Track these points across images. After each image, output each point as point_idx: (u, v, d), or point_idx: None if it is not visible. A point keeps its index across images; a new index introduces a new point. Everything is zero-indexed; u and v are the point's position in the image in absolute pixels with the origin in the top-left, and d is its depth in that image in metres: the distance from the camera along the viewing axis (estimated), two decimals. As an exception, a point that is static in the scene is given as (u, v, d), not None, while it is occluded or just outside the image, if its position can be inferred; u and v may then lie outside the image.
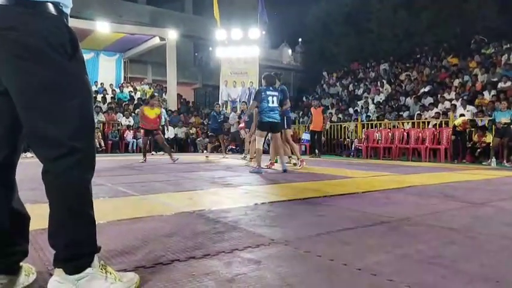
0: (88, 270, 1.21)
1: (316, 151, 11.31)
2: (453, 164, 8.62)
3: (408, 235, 2.11)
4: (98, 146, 12.57)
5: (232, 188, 4.07)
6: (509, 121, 8.11)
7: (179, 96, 18.75)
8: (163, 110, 12.44)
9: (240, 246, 1.83)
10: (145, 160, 7.97)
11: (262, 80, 6.19)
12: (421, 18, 19.44)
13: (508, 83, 11.24)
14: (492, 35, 15.67)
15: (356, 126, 12.86)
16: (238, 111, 12.58)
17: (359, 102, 15.46)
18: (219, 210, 2.74)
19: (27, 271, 1.35)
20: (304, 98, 19.48)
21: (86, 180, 1.24)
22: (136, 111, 14.93)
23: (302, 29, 24.85)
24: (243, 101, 10.75)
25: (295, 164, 7.04)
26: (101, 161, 8.29)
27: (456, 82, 13.03)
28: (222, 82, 16.25)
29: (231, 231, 2.13)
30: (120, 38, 16.89)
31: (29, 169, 5.44)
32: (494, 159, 8.33)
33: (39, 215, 1.90)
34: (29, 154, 9.30)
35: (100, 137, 12.75)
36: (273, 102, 5.91)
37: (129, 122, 13.89)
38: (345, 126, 13.38)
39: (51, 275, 1.42)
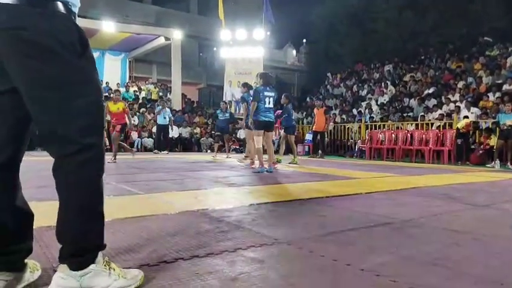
0: (92, 266, 1.22)
1: (320, 152, 11.30)
2: (457, 166, 8.59)
3: (412, 236, 2.11)
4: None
5: (235, 188, 4.08)
6: (513, 123, 8.08)
7: (183, 96, 18.81)
8: (168, 110, 12.46)
9: (243, 245, 1.84)
10: (114, 159, 7.65)
11: (259, 79, 6.19)
12: (426, 19, 19.39)
13: (513, 85, 11.20)
14: (497, 36, 15.60)
15: (360, 127, 12.85)
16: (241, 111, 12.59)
17: (362, 103, 15.44)
18: (222, 210, 2.75)
19: (32, 268, 1.36)
20: (308, 99, 19.49)
21: (97, 177, 1.25)
22: (141, 111, 15.00)
23: (307, 29, 24.85)
24: (223, 101, 10.56)
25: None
26: (106, 159, 8.34)
27: (460, 84, 12.99)
28: (226, 82, 16.27)
29: (235, 231, 2.14)
30: (125, 37, 16.96)
31: (35, 167, 5.48)
32: (498, 161, 8.29)
33: (44, 212, 1.93)
34: (35, 152, 9.38)
35: (106, 135, 12.79)
36: (269, 103, 5.96)
37: (134, 121, 13.93)
38: (348, 127, 13.37)
39: (56, 271, 1.44)
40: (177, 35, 17.04)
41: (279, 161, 7.65)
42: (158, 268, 1.52)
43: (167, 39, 17.07)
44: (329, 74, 21.35)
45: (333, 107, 16.34)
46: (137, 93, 17.53)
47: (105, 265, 1.26)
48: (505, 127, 8.12)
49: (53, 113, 1.17)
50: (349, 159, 11.43)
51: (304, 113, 16.87)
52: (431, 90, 13.63)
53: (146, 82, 19.32)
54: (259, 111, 5.88)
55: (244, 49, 15.59)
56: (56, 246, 1.57)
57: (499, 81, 11.95)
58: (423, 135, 10.39)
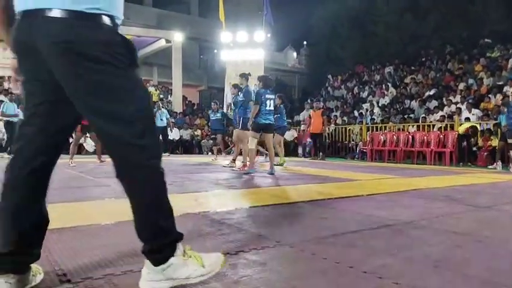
0: (172, 259, 1.28)
1: (321, 154, 11.29)
2: (458, 168, 8.58)
3: (413, 238, 2.10)
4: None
5: (236, 190, 4.08)
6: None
7: (184, 98, 18.85)
8: (165, 111, 12.40)
9: (245, 248, 1.84)
10: (71, 162, 7.14)
11: (258, 82, 6.19)
12: (427, 21, 19.40)
13: (514, 87, 11.19)
14: (498, 38, 15.60)
15: (361, 129, 12.84)
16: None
17: (364, 105, 15.44)
18: (223, 212, 2.75)
19: (35, 271, 1.37)
20: (309, 101, 19.49)
21: (160, 175, 1.31)
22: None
23: (307, 32, 24.88)
24: (214, 101, 10.34)
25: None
26: (107, 162, 8.34)
27: (461, 85, 12.99)
28: (227, 84, 16.26)
29: (236, 233, 2.14)
30: (126, 40, 16.99)
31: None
32: (499, 163, 8.28)
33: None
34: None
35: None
36: (270, 105, 5.97)
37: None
38: (349, 129, 13.36)
39: (58, 275, 1.44)
40: (178, 37, 17.08)
41: (281, 164, 7.62)
42: (160, 271, 1.52)
43: (167, 41, 17.12)
44: (329, 76, 21.36)
45: (334, 109, 16.33)
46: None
47: (184, 255, 1.31)
48: (506, 129, 8.10)
49: (113, 120, 1.24)
50: (350, 161, 11.43)
51: (305, 116, 16.86)
52: (432, 92, 13.63)
53: (147, 84, 19.36)
54: (260, 114, 5.89)
55: (245, 51, 15.60)
56: (58, 250, 1.59)
57: (500, 83, 11.94)
58: (425, 137, 10.38)
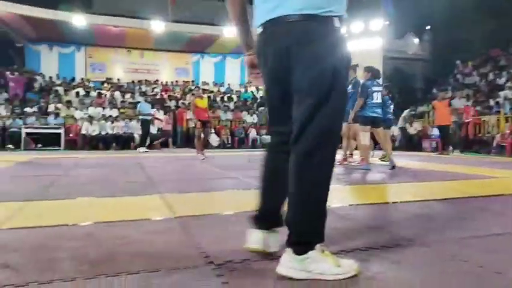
0: (311, 253, 1.36)
1: (450, 147, 10.29)
2: None
3: None
4: (226, 142, 13.52)
5: (361, 185, 3.98)
6: None
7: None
8: None
9: (375, 244, 1.78)
10: (202, 154, 7.64)
11: (365, 73, 5.84)
12: None
13: None
14: None
15: (498, 120, 11.32)
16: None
17: (500, 93, 13.56)
18: (346, 207, 2.71)
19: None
20: (434, 90, 17.89)
21: (327, 177, 1.42)
22: (260, 109, 15.62)
23: (430, 15, 22.77)
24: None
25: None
26: (230, 156, 8.92)
27: None
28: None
29: (363, 229, 2.09)
30: (244, 40, 17.80)
31: (170, 164, 6.13)
32: None
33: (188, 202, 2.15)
34: (141, 149, 10.46)
35: (229, 133, 13.69)
36: (377, 98, 5.61)
37: (253, 119, 14.61)
38: (484, 120, 11.89)
39: (203, 257, 1.59)
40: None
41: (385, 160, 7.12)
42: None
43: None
44: (458, 62, 19.27)
45: (466, 98, 14.71)
46: (255, 93, 18.29)
47: (322, 252, 1.39)
48: None
49: (324, 114, 1.35)
50: (485, 156, 10.17)
51: (430, 106, 15.53)
52: None
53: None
54: (367, 107, 5.60)
55: (361, 41, 15.03)
56: (199, 234, 1.76)
57: None
58: None
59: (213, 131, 13.48)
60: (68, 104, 13.61)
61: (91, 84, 16.27)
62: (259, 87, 18.92)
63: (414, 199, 3.09)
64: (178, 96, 16.35)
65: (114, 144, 12.43)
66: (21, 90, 14.89)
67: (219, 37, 16.99)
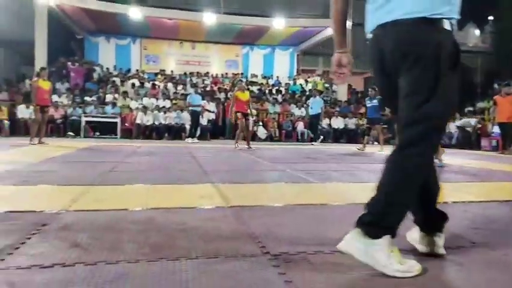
0: (378, 241, 1.36)
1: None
2: None
3: None
4: (273, 135, 13.51)
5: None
6: None
7: (349, 86, 18.55)
8: (319, 99, 12.33)
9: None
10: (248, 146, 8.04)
11: None
12: None
13: None
14: None
15: None
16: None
17: None
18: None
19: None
20: (496, 85, 16.77)
21: (418, 173, 1.43)
22: (308, 102, 15.45)
23: (492, 5, 21.26)
24: (372, 86, 9.25)
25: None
26: (277, 149, 8.93)
27: None
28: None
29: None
30: (294, 32, 17.65)
31: (219, 154, 6.24)
32: None
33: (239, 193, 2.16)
34: (189, 140, 10.67)
35: (276, 126, 13.69)
36: None
37: (301, 112, 14.48)
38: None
39: (259, 247, 1.61)
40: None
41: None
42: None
43: (334, 30, 17.06)
44: (524, 54, 17.91)
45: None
46: (304, 86, 18.10)
47: (389, 247, 1.38)
48: None
49: (411, 110, 1.42)
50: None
51: (491, 101, 14.59)
52: None
53: (312, 74, 19.77)
54: None
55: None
56: (254, 225, 1.77)
57: None
58: None
59: (260, 123, 13.56)
60: (125, 94, 14.23)
61: (146, 76, 16.90)
62: (308, 79, 18.75)
63: (476, 199, 2.93)
64: (228, 88, 16.59)
65: (166, 134, 12.85)
66: (81, 80, 15.80)
67: (269, 29, 16.96)
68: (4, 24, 14.43)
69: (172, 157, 5.96)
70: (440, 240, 1.56)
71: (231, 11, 16.92)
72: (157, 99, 14.29)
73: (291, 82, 18.21)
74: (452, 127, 12.30)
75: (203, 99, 12.18)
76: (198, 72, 17.89)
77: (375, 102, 8.96)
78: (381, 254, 1.34)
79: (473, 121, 12.49)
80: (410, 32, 1.41)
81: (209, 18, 15.84)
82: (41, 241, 1.64)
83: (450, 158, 6.00)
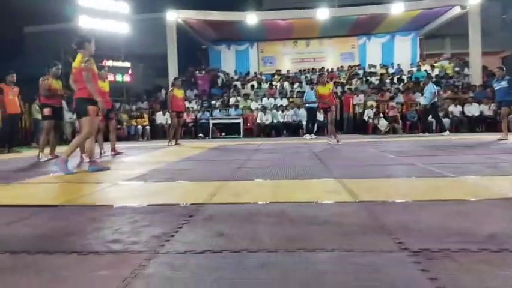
0: None
1: None
2: None
3: None
4: (398, 126, 12.75)
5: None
6: None
7: (483, 68, 16.46)
8: (431, 86, 11.12)
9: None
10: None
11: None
12: None
13: None
14: None
15: None
16: None
17: None
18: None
19: None
20: None
21: None
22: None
23: None
24: (500, 66, 7.77)
25: None
26: (403, 141, 8.41)
27: None
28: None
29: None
30: (415, 15, 16.40)
31: (339, 149, 6.15)
32: None
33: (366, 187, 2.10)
34: (307, 136, 10.47)
35: (399, 117, 12.89)
36: None
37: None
38: None
39: (396, 243, 1.56)
40: (475, 0, 15.00)
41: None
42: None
43: (463, 7, 15.32)
44: None
45: None
46: (430, 72, 16.65)
47: None
48: None
49: None
50: None
51: None
52: None
53: (439, 58, 18.08)
54: None
55: None
56: (388, 220, 1.71)
57: None
58: None
59: (381, 115, 12.92)
60: (246, 96, 15.07)
61: (263, 77, 17.64)
62: (435, 64, 17.17)
63: None
64: (344, 82, 16.23)
65: (285, 132, 13.24)
66: (207, 86, 17.21)
67: (386, 16, 16.07)
68: (142, 42, 16.56)
69: (292, 153, 6.09)
70: None
71: (345, 2, 16.50)
72: (274, 98, 14.78)
73: (415, 69, 16.93)
74: None
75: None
76: (313, 69, 17.91)
77: (504, 83, 7.86)
78: None
79: None
80: None
81: (323, 14, 15.71)
82: (191, 230, 1.86)
83: None
